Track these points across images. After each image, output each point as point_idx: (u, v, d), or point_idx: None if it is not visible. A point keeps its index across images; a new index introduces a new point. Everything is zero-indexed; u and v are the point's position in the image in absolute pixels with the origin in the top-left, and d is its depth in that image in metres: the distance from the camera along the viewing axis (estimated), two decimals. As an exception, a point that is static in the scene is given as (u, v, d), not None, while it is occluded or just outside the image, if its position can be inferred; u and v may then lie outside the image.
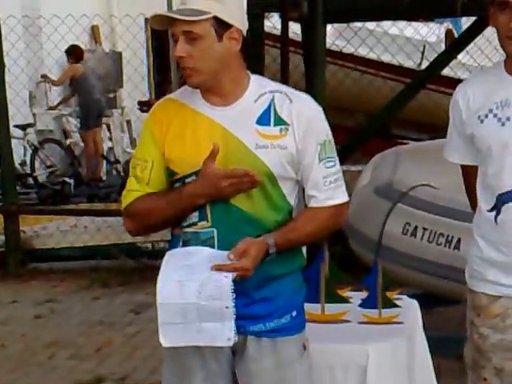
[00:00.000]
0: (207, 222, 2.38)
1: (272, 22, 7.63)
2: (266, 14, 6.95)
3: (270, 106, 2.37)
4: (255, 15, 6.41)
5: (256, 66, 6.22)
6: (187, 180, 2.38)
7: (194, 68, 2.33)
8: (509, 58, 2.47)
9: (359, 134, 7.08)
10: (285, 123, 2.36)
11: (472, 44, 6.81)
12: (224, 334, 2.29)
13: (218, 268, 2.27)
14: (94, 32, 12.32)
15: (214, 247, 2.37)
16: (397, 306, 3.19)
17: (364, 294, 3.28)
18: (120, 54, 11.95)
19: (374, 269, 3.25)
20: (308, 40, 6.24)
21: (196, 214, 2.38)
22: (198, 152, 2.34)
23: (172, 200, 2.37)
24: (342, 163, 7.02)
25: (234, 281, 2.27)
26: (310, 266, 3.20)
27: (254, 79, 2.42)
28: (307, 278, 3.20)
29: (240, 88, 2.38)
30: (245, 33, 2.37)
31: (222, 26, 2.33)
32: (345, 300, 3.27)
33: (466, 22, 8.65)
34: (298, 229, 2.39)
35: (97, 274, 7.03)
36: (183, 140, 2.38)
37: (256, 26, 6.36)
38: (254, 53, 6.23)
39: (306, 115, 2.37)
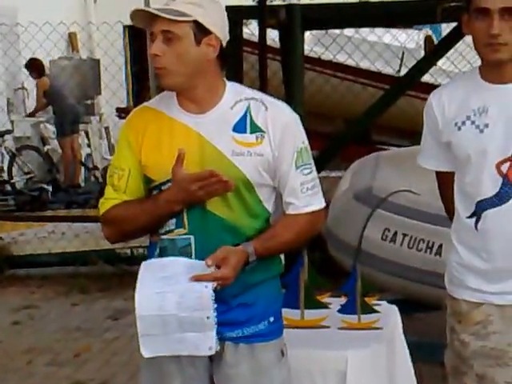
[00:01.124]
0: (184, 229, 2.38)
1: (250, 29, 7.64)
2: (245, 20, 6.95)
3: (245, 114, 2.38)
4: (234, 22, 6.39)
5: (234, 72, 6.22)
6: (164, 187, 2.38)
7: (167, 68, 2.33)
8: (485, 64, 2.47)
9: (338, 140, 7.09)
10: (261, 130, 2.37)
11: (452, 50, 6.84)
12: (206, 343, 2.29)
13: (198, 278, 2.28)
14: (72, 39, 12.29)
15: (191, 254, 2.37)
16: (376, 311, 3.19)
17: (343, 300, 3.28)
18: (98, 61, 11.91)
19: (353, 274, 3.25)
20: (286, 47, 6.24)
21: (173, 221, 2.39)
22: (174, 159, 2.33)
23: (148, 207, 2.37)
24: (321, 169, 7.04)
25: (214, 290, 2.27)
26: (290, 272, 3.20)
27: (230, 86, 2.42)
28: (286, 283, 3.21)
29: (216, 95, 2.39)
30: (224, 43, 2.38)
31: (201, 30, 2.33)
32: (324, 306, 3.27)
33: (446, 28, 8.68)
34: (277, 236, 2.39)
35: (75, 280, 7.01)
36: (159, 147, 2.39)
37: (234, 32, 6.33)
38: (233, 59, 6.23)
39: (281, 122, 2.37)
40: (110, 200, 2.43)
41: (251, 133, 2.36)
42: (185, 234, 2.38)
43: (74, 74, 11.61)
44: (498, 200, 2.44)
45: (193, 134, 2.37)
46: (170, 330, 2.28)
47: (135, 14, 2.35)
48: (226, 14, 2.42)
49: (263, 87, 6.08)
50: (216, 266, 2.29)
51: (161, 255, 2.42)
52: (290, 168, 2.38)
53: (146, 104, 2.51)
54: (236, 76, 6.17)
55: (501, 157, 2.43)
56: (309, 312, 3.15)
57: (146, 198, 2.42)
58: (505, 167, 2.43)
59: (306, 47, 6.91)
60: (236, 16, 6.46)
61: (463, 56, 7.94)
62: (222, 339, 2.36)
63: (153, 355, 2.33)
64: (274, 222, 2.43)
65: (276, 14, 6.17)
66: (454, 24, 6.27)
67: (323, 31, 7.94)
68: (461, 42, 6.22)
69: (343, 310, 3.21)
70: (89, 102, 11.82)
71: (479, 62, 2.52)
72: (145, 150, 2.39)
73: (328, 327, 3.09)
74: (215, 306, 2.26)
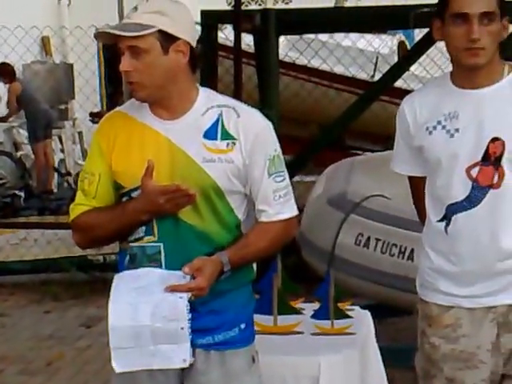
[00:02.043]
0: (154, 236, 2.37)
1: (225, 34, 7.63)
2: (220, 25, 6.94)
3: (217, 121, 2.37)
4: (208, 26, 6.41)
5: (209, 77, 6.21)
6: (133, 194, 2.37)
7: (139, 82, 2.32)
8: (458, 70, 2.48)
9: (313, 145, 7.09)
10: (232, 138, 2.36)
11: (424, 55, 6.87)
12: (179, 355, 2.28)
13: (173, 289, 2.27)
14: (45, 43, 12.21)
15: (160, 262, 2.36)
16: (349, 316, 3.19)
17: (316, 305, 3.28)
18: (71, 65, 11.85)
19: (326, 280, 3.25)
20: (261, 52, 6.24)
21: (143, 228, 2.38)
22: (144, 166, 2.32)
23: (116, 215, 2.37)
24: (295, 174, 7.02)
25: (189, 300, 2.26)
26: (263, 278, 3.19)
27: (203, 92, 2.41)
28: (260, 289, 3.20)
29: (188, 101, 2.38)
30: (194, 45, 2.36)
31: (167, 39, 2.31)
32: (297, 311, 3.27)
33: (419, 33, 8.73)
34: (251, 244, 2.39)
35: (47, 288, 6.94)
36: (130, 153, 2.38)
37: (209, 37, 6.35)
38: (208, 64, 6.22)
39: (253, 130, 2.37)
40: (79, 206, 2.43)
41: (222, 140, 2.35)
42: (154, 242, 2.37)
43: (48, 78, 11.55)
44: (467, 204, 2.45)
45: (163, 140, 2.36)
46: (143, 342, 2.26)
47: (99, 35, 2.34)
48: (191, 13, 2.40)
49: (238, 92, 6.08)
50: (191, 277, 2.29)
51: (130, 262, 2.41)
52: (263, 176, 2.37)
53: (117, 109, 2.50)
54: (210, 80, 6.15)
55: (471, 161, 2.45)
56: (282, 318, 3.15)
57: (115, 205, 2.41)
58: (474, 171, 2.44)
59: (281, 52, 6.91)
60: (211, 20, 6.47)
61: (434, 62, 7.98)
62: (192, 346, 2.34)
63: (125, 370, 2.31)
64: (246, 230, 2.43)
65: (251, 18, 6.16)
66: (426, 30, 6.30)
67: (297, 36, 7.94)
68: (433, 47, 6.26)
69: (316, 315, 3.22)
70: (62, 106, 11.76)
71: (451, 68, 2.53)
72: (115, 156, 2.39)
73: (301, 333, 3.09)
74: (190, 317, 2.25)
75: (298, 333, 3.09)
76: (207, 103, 2.39)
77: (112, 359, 2.29)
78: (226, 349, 2.40)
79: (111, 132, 2.40)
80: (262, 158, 2.37)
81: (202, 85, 2.46)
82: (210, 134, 2.36)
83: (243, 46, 6.39)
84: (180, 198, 2.29)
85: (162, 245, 2.36)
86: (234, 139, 2.35)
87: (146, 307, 2.25)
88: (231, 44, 6.54)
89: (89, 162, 2.45)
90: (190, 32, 2.37)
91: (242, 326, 2.43)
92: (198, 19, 6.38)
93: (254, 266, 2.51)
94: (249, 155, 2.36)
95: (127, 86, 2.37)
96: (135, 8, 2.35)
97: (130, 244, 2.41)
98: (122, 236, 2.42)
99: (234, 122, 2.36)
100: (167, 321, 2.24)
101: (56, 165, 11.08)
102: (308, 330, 3.10)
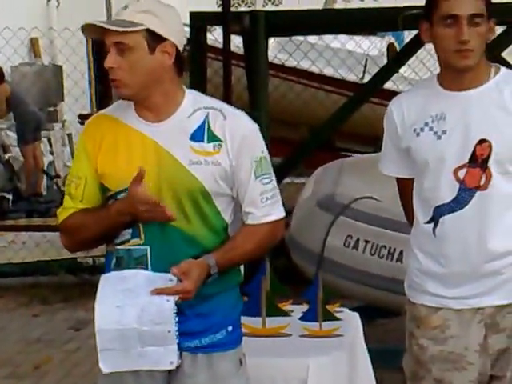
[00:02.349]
0: (140, 239, 2.37)
1: (214, 36, 7.62)
2: (209, 27, 6.93)
3: (204, 123, 2.36)
4: (197, 28, 6.40)
5: (198, 78, 6.20)
6: (119, 196, 2.37)
7: (123, 80, 2.32)
8: (446, 71, 2.48)
9: (302, 147, 7.09)
10: (218, 140, 2.35)
11: (414, 57, 6.89)
12: (167, 357, 2.28)
13: (160, 292, 2.26)
14: (34, 45, 12.16)
15: (147, 265, 2.36)
16: (337, 318, 3.19)
17: (305, 307, 3.28)
18: (60, 67, 11.81)
19: (314, 282, 3.25)
20: (250, 53, 6.24)
21: (129, 231, 2.37)
22: (131, 168, 2.32)
23: (101, 217, 2.37)
24: (286, 176, 6.98)
25: (176, 303, 2.25)
26: (252, 280, 3.19)
27: (189, 94, 2.41)
28: (248, 291, 3.19)
29: (173, 103, 2.37)
30: (181, 48, 2.36)
31: (154, 38, 2.31)
32: (286, 313, 3.27)
33: (409, 35, 8.74)
34: (238, 247, 2.38)
35: (36, 291, 6.92)
36: (116, 156, 2.37)
37: (198, 39, 6.34)
38: (197, 66, 6.20)
39: (240, 132, 2.36)
40: (67, 209, 2.43)
41: (208, 142, 2.35)
42: (141, 245, 2.36)
43: (36, 80, 11.51)
44: (455, 205, 2.45)
45: (150, 142, 2.35)
46: (130, 344, 2.26)
47: (85, 28, 2.33)
48: (180, 17, 2.40)
49: (227, 93, 6.06)
50: (177, 279, 2.28)
51: (117, 265, 2.40)
52: (249, 178, 2.37)
53: (102, 112, 2.49)
54: (200, 82, 6.14)
55: (458, 163, 2.45)
56: (270, 320, 3.14)
57: (100, 206, 2.40)
58: (462, 173, 2.45)
59: (270, 54, 6.91)
60: (200, 22, 6.45)
61: (423, 64, 7.99)
62: (179, 349, 2.33)
63: (112, 370, 2.31)
64: (233, 233, 2.42)
65: (240, 20, 6.16)
66: (415, 32, 6.31)
67: (287, 38, 7.94)
68: (422, 49, 6.27)
69: (305, 317, 3.21)
70: (51, 108, 11.72)
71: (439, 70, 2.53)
72: (101, 159, 2.38)
73: (290, 335, 3.09)
74: (177, 319, 2.24)
75: (287, 335, 3.09)
76: (194, 105, 2.38)
77: (99, 360, 2.29)
78: (213, 352, 2.39)
79: (97, 135, 2.40)
80: (248, 160, 2.36)
81: (191, 86, 2.45)
82: (196, 136, 2.35)
83: (232, 48, 6.38)
84: (157, 213, 2.29)
85: (148, 248, 2.35)
86: (221, 141, 2.35)
87: (132, 310, 2.24)
88: (220, 45, 6.54)
89: (75, 166, 2.45)
90: (177, 35, 2.36)
91: (230, 328, 2.42)
92: (187, 21, 6.38)
93: (242, 268, 2.50)
94: (235, 157, 2.35)
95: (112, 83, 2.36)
96: (125, 6, 2.35)
97: (117, 247, 2.40)
98: (108, 238, 2.41)
99: (220, 124, 2.36)
100: (154, 324, 2.24)
101: (45, 167, 11.04)
102: (296, 332, 3.10)
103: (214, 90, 6.17)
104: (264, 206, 2.39)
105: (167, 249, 2.34)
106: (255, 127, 2.42)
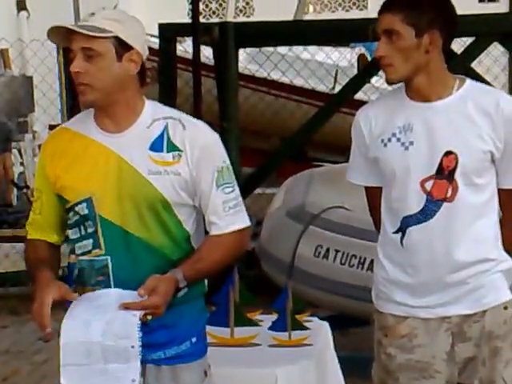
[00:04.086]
0: (100, 249, 2.36)
1: (184, 47, 7.62)
2: (179, 38, 6.94)
3: (163, 133, 2.36)
4: (167, 39, 6.40)
5: (168, 89, 6.19)
6: (77, 207, 2.37)
7: (89, 85, 2.31)
8: (408, 83, 2.49)
9: (274, 157, 7.11)
10: (178, 149, 2.35)
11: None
12: (129, 375, 2.25)
13: (127, 306, 2.24)
14: (3, 56, 12.09)
15: (108, 275, 2.35)
16: (306, 328, 3.19)
17: (274, 317, 3.27)
18: (30, 78, 11.74)
19: (284, 291, 3.24)
20: (220, 64, 6.25)
21: (90, 241, 2.37)
22: (91, 179, 2.34)
23: (31, 275, 2.38)
24: (257, 186, 6.95)
25: (147, 320, 2.23)
26: (220, 290, 3.18)
27: (149, 105, 2.41)
28: (216, 301, 3.18)
29: (134, 113, 2.38)
30: (145, 58, 2.38)
31: (122, 46, 2.32)
32: (254, 323, 3.26)
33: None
34: (204, 258, 2.36)
35: (5, 302, 6.84)
36: (76, 168, 2.38)
37: (168, 50, 6.34)
38: (167, 77, 6.20)
39: (199, 142, 2.36)
40: (29, 225, 2.49)
41: (168, 152, 2.35)
42: (102, 255, 2.36)
43: (6, 91, 11.43)
44: (422, 216, 2.46)
45: (109, 153, 2.36)
46: (93, 359, 2.24)
47: (53, 30, 2.32)
48: (144, 28, 2.41)
49: (197, 105, 6.07)
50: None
51: (79, 276, 2.40)
52: (211, 187, 2.36)
53: (63, 125, 2.50)
54: (170, 93, 6.13)
55: (425, 174, 2.46)
56: (239, 330, 3.13)
57: (40, 268, 2.37)
58: (429, 184, 2.46)
59: (240, 65, 6.93)
60: (169, 33, 6.46)
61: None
62: (143, 362, 2.31)
63: None
64: (199, 244, 2.41)
65: (210, 31, 6.17)
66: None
67: (257, 49, 7.97)
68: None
69: (274, 327, 3.21)
70: (21, 119, 11.64)
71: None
72: (60, 172, 2.39)
73: (259, 345, 3.08)
74: (141, 335, 2.22)
75: (256, 345, 3.08)
76: (153, 115, 2.38)
77: (61, 376, 2.26)
78: (178, 363, 2.37)
79: (57, 149, 2.41)
80: (209, 170, 2.36)
81: (161, 97, 2.45)
82: (156, 146, 2.35)
83: (202, 59, 6.39)
84: (36, 319, 2.28)
85: (109, 258, 2.34)
86: (180, 151, 2.35)
87: (98, 324, 2.23)
88: (190, 57, 6.54)
89: (36, 179, 2.49)
90: (143, 44, 2.38)
91: (194, 339, 2.40)
92: (156, 32, 6.37)
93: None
94: (195, 167, 2.35)
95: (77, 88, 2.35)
96: (92, 13, 2.36)
97: (79, 258, 2.40)
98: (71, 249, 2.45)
99: (179, 133, 2.36)
100: (118, 338, 2.22)
101: (15, 178, 10.96)
102: (265, 341, 3.09)
103: (184, 101, 6.17)
104: (227, 215, 2.38)
105: (129, 259, 2.33)
106: (215, 137, 2.41)
